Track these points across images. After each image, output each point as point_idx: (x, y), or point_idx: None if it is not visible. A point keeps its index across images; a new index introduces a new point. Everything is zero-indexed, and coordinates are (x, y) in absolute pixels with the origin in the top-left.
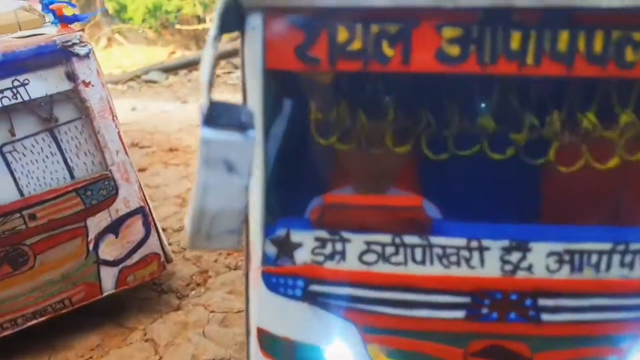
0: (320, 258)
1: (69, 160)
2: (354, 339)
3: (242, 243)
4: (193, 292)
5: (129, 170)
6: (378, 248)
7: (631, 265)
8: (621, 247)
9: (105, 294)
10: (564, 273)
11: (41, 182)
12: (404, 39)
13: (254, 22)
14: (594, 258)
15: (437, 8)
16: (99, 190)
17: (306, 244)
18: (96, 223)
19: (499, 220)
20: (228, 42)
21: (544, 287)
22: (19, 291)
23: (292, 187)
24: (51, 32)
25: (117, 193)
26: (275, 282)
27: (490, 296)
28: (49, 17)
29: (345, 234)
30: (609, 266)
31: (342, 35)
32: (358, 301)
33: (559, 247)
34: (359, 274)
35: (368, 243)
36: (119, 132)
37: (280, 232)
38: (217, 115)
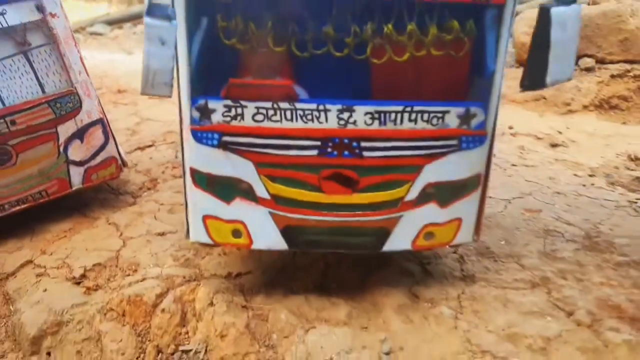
0: (228, 119)
1: (40, 78)
2: (251, 171)
3: (171, 93)
4: (145, 193)
5: (89, 88)
6: (263, 111)
7: (415, 121)
8: (408, 109)
9: (74, 188)
10: (375, 125)
11: (19, 95)
12: None
13: None
14: (392, 116)
15: None
16: (66, 103)
17: (218, 110)
18: (65, 130)
19: (337, 95)
20: None
21: (363, 134)
22: (4, 183)
23: (210, 73)
24: None
25: (80, 106)
26: (199, 135)
27: (331, 140)
28: None
29: (243, 102)
30: (401, 121)
31: None
32: (252, 146)
33: (371, 109)
34: (252, 128)
35: (257, 108)
36: (80, 57)
37: (201, 102)
38: (154, 10)
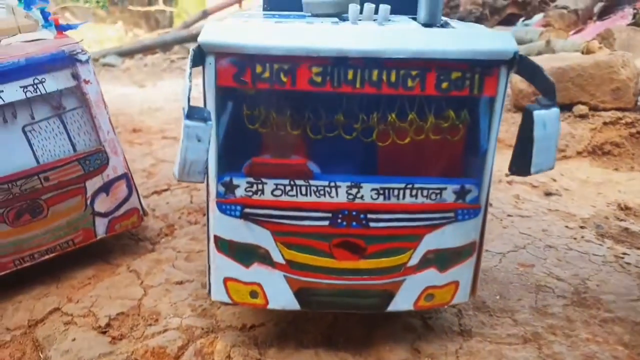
0: (250, 193)
1: (72, 138)
2: (269, 239)
3: (204, 181)
4: (163, 240)
5: (116, 146)
6: (281, 187)
7: (416, 196)
8: (410, 186)
9: (98, 237)
10: (380, 200)
11: (52, 154)
12: (292, 71)
13: (210, 60)
14: (395, 192)
15: (308, 56)
16: (94, 160)
17: (241, 186)
18: (92, 184)
19: (347, 172)
20: (181, 29)
21: (370, 207)
22: (35, 234)
23: (235, 153)
24: (48, 36)
25: (107, 162)
26: (224, 208)
27: (341, 212)
28: (35, 18)
29: (264, 179)
30: (404, 196)
31: (258, 68)
32: (271, 217)
33: (377, 185)
34: (271, 202)
35: (276, 184)
36: (109, 117)
37: (227, 179)
38: (193, 113)
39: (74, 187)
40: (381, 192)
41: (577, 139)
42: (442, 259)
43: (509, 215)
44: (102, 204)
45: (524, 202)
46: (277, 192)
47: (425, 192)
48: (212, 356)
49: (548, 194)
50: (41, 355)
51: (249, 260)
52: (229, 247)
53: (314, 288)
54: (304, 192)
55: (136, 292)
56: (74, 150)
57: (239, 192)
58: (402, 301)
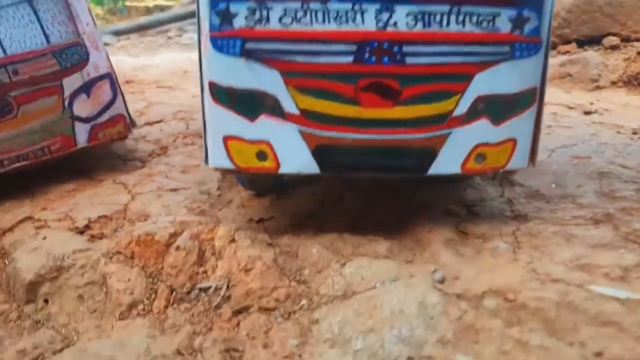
0: (251, 23)
1: (45, 28)
2: (278, 82)
3: None
4: (155, 159)
5: (97, 40)
6: (292, 12)
7: (463, 23)
8: (455, 10)
9: (79, 146)
10: (419, 27)
11: (22, 45)
12: None
13: None
14: (437, 17)
15: None
16: (72, 54)
17: (241, 13)
18: (70, 83)
19: None
20: (180, 7)
21: (405, 37)
22: (4, 137)
23: None
24: None
25: (87, 58)
26: (220, 44)
27: (369, 44)
28: None
29: (268, 3)
30: (448, 23)
31: None
32: (279, 53)
33: (414, 9)
34: (279, 32)
35: (285, 9)
36: (88, 7)
37: (222, 5)
38: None
39: (49, 84)
40: (419, 17)
41: (610, 69)
42: (496, 108)
43: (548, 126)
44: (83, 107)
45: (563, 117)
46: (287, 20)
47: (474, 19)
48: (212, 242)
49: (588, 113)
50: (6, 262)
51: (254, 112)
52: (228, 96)
53: (336, 145)
54: (320, 18)
55: (122, 199)
56: (48, 41)
57: (238, 22)
58: (447, 162)
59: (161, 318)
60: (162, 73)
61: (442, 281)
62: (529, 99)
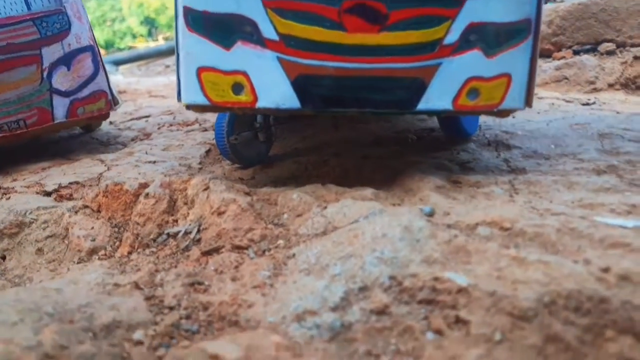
0: None
1: None
2: (256, 5)
3: None
4: (138, 142)
5: (80, 10)
6: None
7: None
8: None
9: (57, 121)
10: None
11: (1, 10)
12: None
13: None
14: None
15: None
16: (53, 23)
17: None
18: (50, 53)
19: None
20: None
21: None
22: None
23: None
24: None
25: (69, 28)
26: None
27: None
28: None
29: None
30: None
31: None
32: None
33: None
34: None
35: None
36: None
37: None
38: None
39: (28, 53)
40: None
41: (607, 72)
42: (489, 38)
43: (545, 111)
44: (62, 80)
45: (561, 106)
46: None
47: None
48: (185, 192)
49: (586, 104)
50: None
51: (230, 39)
52: (203, 22)
53: (318, 75)
54: None
55: (97, 170)
56: (28, 8)
57: None
58: (438, 96)
59: (123, 261)
60: (156, 85)
61: (431, 214)
62: (524, 31)
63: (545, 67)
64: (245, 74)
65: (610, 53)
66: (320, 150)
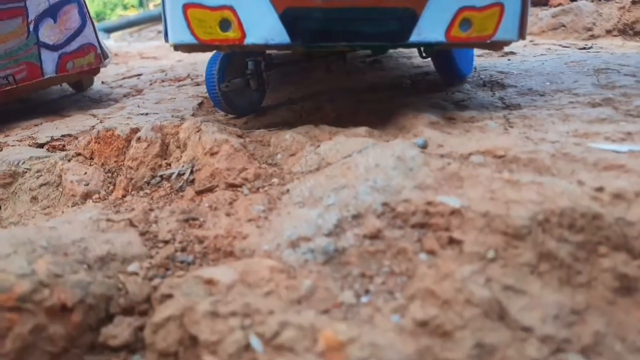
0: None
1: None
2: None
3: None
4: (130, 98)
5: None
6: None
7: None
8: None
9: (46, 76)
10: None
11: None
12: None
13: None
14: None
15: None
16: None
17: None
18: (35, 5)
19: None
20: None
21: None
22: None
23: None
24: None
25: None
26: None
27: None
28: None
29: None
30: None
31: None
32: None
33: None
34: None
35: None
36: None
37: None
38: None
39: (12, 5)
40: None
41: (604, 17)
42: None
43: (541, 54)
44: (49, 34)
45: (557, 50)
46: None
47: None
48: (177, 135)
49: (582, 49)
50: None
51: None
52: None
53: (306, 8)
54: None
55: (90, 123)
56: None
57: None
58: (430, 27)
59: (117, 203)
60: (147, 48)
61: (424, 146)
62: None
63: (542, 15)
64: (232, 8)
65: None
66: (315, 98)
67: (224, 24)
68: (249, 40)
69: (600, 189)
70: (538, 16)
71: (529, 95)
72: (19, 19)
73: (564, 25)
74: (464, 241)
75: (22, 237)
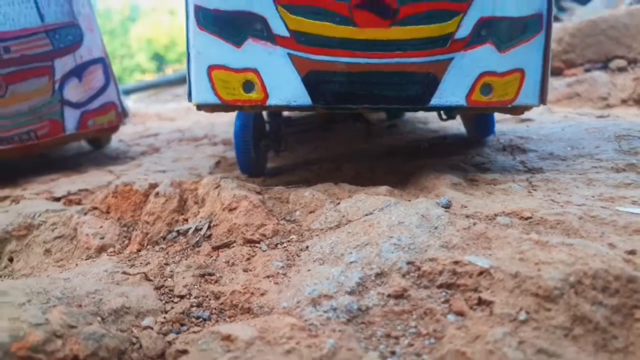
0: None
1: (40, 8)
2: (267, 2)
3: None
4: (147, 156)
5: (92, 22)
6: None
7: None
8: None
9: (67, 133)
10: None
11: (15, 21)
12: None
13: None
14: None
15: None
16: (66, 35)
17: None
18: (62, 65)
19: None
20: None
21: None
22: None
23: None
24: None
25: (81, 41)
26: None
27: None
28: None
29: None
30: None
31: None
32: None
33: None
34: None
35: None
36: None
37: None
38: None
39: (40, 64)
40: None
41: (619, 88)
42: (501, 32)
43: (559, 121)
44: (74, 92)
45: (574, 119)
46: None
47: None
48: (196, 192)
49: (600, 117)
50: None
51: (241, 37)
52: (213, 20)
53: (329, 71)
54: None
55: (107, 179)
56: (42, 20)
57: None
58: (451, 91)
59: (132, 257)
60: (165, 110)
61: (447, 206)
62: (535, 25)
63: (557, 85)
64: (256, 71)
65: (621, 69)
66: (332, 159)
67: (248, 86)
68: (272, 101)
69: (632, 252)
70: (553, 85)
71: (550, 160)
72: (45, 78)
73: (578, 95)
74: (494, 302)
75: (37, 287)
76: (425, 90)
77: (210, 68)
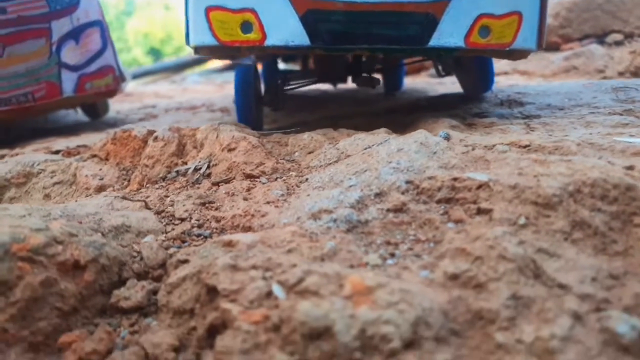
0: None
1: None
2: None
3: None
4: (144, 122)
5: None
6: None
7: None
8: None
9: (65, 95)
10: None
11: None
12: None
13: None
14: None
15: None
16: None
17: None
18: (59, 27)
19: None
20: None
21: None
22: None
23: None
24: None
25: (78, 3)
26: None
27: None
28: None
29: None
30: None
31: None
32: None
33: None
34: None
35: None
36: None
37: None
38: None
39: (37, 26)
40: None
41: (616, 61)
42: None
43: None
44: (71, 54)
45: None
46: None
47: None
48: (194, 137)
49: (600, 71)
50: None
51: None
52: None
53: (327, 10)
54: None
55: (103, 137)
56: None
57: None
58: (449, 32)
59: (132, 193)
60: (162, 89)
61: (447, 138)
62: None
63: (554, 59)
64: (253, 11)
65: (618, 43)
66: (330, 120)
67: (246, 26)
68: (270, 41)
69: (630, 167)
70: (550, 59)
71: (548, 109)
72: (42, 40)
73: (575, 68)
74: (494, 209)
75: (37, 207)
76: (424, 31)
77: (208, 9)
